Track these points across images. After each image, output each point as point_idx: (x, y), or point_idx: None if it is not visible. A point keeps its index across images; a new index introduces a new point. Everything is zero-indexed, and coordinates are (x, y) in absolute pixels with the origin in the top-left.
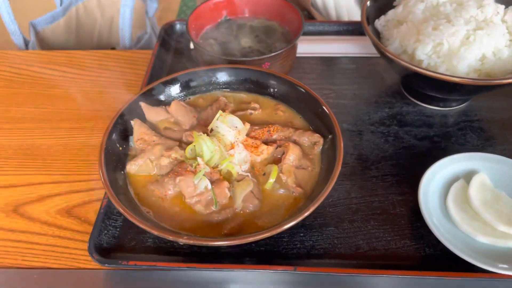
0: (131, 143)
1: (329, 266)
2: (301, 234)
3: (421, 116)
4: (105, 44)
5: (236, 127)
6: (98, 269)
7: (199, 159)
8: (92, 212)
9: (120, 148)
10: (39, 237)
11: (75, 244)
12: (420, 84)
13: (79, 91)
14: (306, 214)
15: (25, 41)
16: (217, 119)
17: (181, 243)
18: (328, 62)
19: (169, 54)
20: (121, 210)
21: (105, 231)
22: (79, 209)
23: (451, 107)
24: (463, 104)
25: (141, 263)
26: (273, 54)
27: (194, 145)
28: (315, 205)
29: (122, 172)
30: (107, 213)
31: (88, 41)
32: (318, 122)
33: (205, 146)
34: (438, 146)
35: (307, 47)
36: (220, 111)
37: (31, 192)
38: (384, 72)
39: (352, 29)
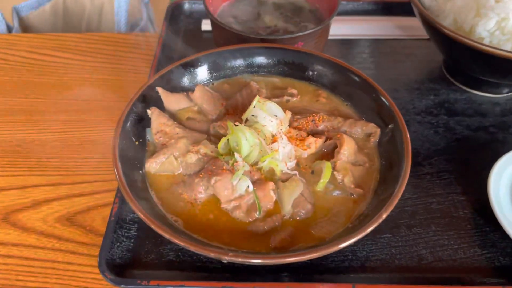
0: (148, 136)
1: (391, 283)
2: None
3: (471, 104)
4: (95, 32)
5: (276, 116)
6: None
7: (236, 155)
8: (98, 220)
9: (136, 143)
10: (36, 251)
11: (80, 259)
12: (473, 66)
13: (76, 78)
14: (380, 221)
15: (8, 27)
16: (254, 106)
17: (225, 261)
18: (358, 44)
19: (178, 36)
20: (147, 221)
21: (118, 243)
22: (82, 216)
23: (502, 93)
24: None
25: (166, 283)
26: (308, 31)
27: (228, 138)
28: (387, 211)
29: (140, 171)
30: (119, 221)
31: (76, 29)
32: (370, 111)
33: (244, 139)
34: (495, 137)
35: (334, 29)
36: (257, 97)
37: (24, 197)
38: (422, 55)
39: (382, 8)
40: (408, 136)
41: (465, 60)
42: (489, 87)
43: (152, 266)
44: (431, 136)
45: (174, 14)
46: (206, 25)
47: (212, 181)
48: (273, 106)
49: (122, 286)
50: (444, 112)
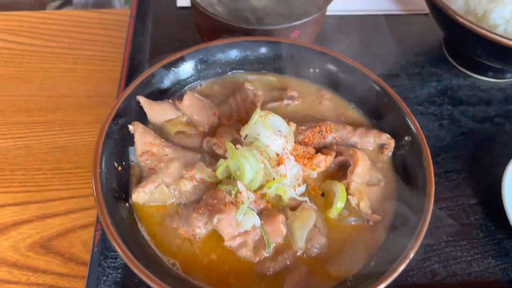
0: (132, 157)
1: None
2: None
3: (475, 91)
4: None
5: (280, 131)
6: None
7: (240, 185)
8: (78, 244)
9: (119, 168)
10: (9, 286)
11: None
12: (480, 53)
13: (35, 69)
14: (407, 261)
15: None
16: (255, 122)
17: None
18: (349, 21)
19: (149, 16)
20: (143, 276)
21: (104, 277)
22: (59, 241)
23: (505, 78)
24: None
25: None
26: (306, 19)
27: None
28: (414, 248)
29: (127, 204)
30: (103, 251)
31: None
32: (380, 114)
33: (247, 165)
34: (502, 129)
35: None
36: (258, 110)
37: None
38: (421, 33)
39: None
40: (428, 149)
41: (472, 46)
42: (492, 72)
43: None
44: (436, 130)
45: None
46: (182, 0)
47: (215, 220)
48: (276, 120)
49: None
50: (448, 101)
